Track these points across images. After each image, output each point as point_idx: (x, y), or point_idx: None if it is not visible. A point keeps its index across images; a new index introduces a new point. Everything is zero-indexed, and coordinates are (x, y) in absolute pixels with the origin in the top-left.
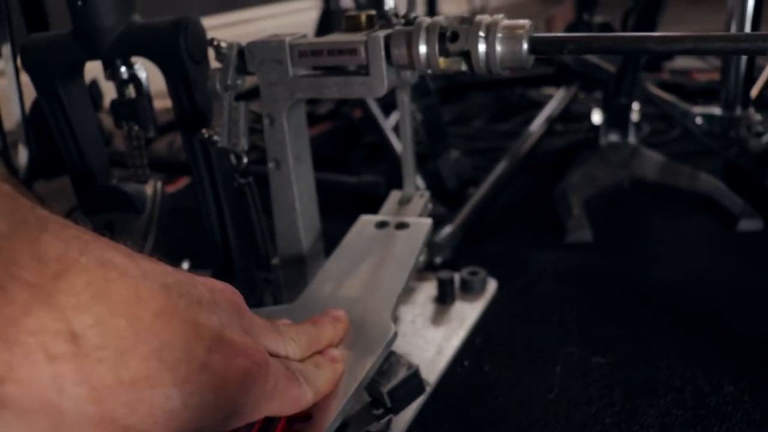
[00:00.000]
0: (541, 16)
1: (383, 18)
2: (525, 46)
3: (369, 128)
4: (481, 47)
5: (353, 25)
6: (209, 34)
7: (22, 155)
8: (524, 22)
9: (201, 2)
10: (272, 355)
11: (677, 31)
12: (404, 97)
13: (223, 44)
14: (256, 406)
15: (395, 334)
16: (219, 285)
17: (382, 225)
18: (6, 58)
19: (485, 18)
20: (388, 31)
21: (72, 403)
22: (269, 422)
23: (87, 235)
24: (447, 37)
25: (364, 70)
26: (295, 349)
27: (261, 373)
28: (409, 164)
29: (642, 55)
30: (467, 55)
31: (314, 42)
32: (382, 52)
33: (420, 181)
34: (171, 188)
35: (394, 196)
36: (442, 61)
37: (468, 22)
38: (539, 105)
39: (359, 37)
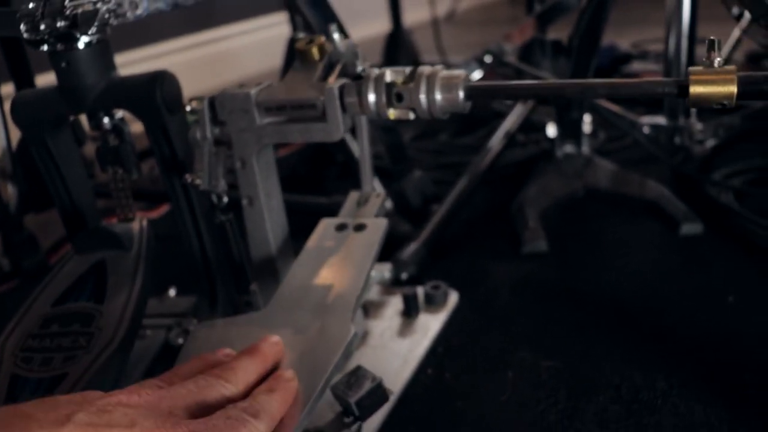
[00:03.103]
0: (510, 17)
1: (330, 41)
2: (461, 94)
3: (337, 148)
4: (423, 99)
5: (307, 60)
6: (182, 55)
7: (12, 192)
8: (459, 72)
9: (171, 24)
10: (213, 405)
11: (636, 36)
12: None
13: (194, 104)
14: None
15: (355, 335)
16: (113, 400)
17: (341, 227)
18: None
19: (425, 70)
20: (342, 81)
21: None
22: None
23: None
24: (393, 97)
25: (322, 116)
26: (232, 389)
27: None
28: (366, 166)
29: (563, 100)
30: (412, 108)
31: (278, 99)
32: (338, 102)
33: (378, 185)
34: (153, 214)
35: (353, 197)
36: (391, 113)
37: (411, 77)
38: (503, 116)
39: (316, 92)
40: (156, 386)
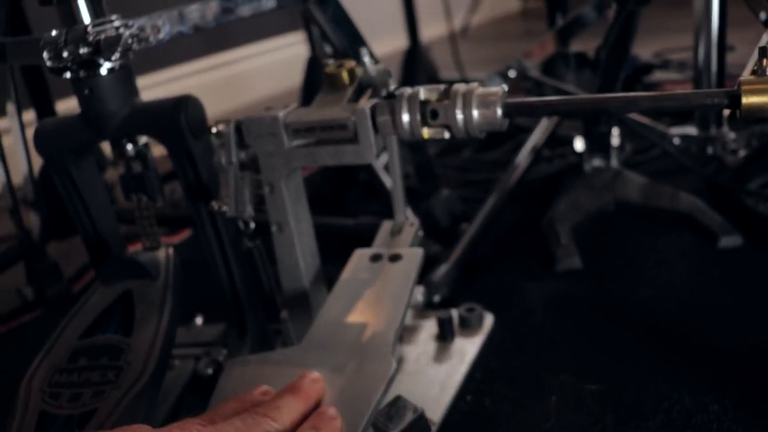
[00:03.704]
0: (523, 31)
1: (361, 65)
2: (499, 111)
3: (359, 166)
4: (459, 117)
5: (336, 84)
6: (197, 78)
7: (34, 219)
8: (497, 89)
9: (186, 47)
10: None
11: (656, 45)
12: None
13: (220, 127)
14: None
15: (396, 371)
16: None
17: (376, 258)
18: (15, 131)
19: (461, 88)
20: (374, 101)
21: None
22: None
23: None
24: (427, 115)
25: (353, 138)
26: (278, 427)
27: None
28: (398, 195)
29: (604, 115)
30: (448, 125)
31: (307, 120)
32: (370, 123)
33: (410, 213)
34: (174, 239)
35: (386, 226)
36: (425, 132)
37: (445, 94)
38: (526, 130)
39: (347, 112)
40: (200, 425)
